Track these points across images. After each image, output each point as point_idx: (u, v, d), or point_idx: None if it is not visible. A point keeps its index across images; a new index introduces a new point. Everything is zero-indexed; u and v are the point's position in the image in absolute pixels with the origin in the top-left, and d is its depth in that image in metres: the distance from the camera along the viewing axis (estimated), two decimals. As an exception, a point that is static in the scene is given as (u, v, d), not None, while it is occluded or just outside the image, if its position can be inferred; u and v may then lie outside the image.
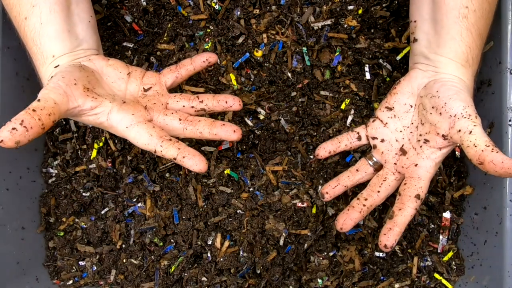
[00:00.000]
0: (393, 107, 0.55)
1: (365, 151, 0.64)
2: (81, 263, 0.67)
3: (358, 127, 0.59)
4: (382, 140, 0.56)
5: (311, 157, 0.64)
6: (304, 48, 0.63)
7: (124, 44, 0.66)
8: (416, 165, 0.52)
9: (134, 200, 0.66)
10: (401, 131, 0.55)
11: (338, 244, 0.64)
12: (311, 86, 0.64)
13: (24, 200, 0.66)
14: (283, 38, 0.63)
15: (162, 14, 0.65)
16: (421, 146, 0.52)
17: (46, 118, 0.43)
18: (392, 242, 0.51)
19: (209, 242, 0.64)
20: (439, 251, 0.64)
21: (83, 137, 0.67)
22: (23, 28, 0.51)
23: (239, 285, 0.62)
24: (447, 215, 0.63)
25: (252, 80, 0.64)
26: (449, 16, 0.50)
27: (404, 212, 0.51)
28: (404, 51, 0.63)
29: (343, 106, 0.64)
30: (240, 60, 0.64)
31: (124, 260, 0.65)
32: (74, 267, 0.67)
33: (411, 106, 0.54)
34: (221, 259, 0.62)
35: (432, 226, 0.64)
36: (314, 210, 0.63)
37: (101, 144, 0.66)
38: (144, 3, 0.65)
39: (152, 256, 0.65)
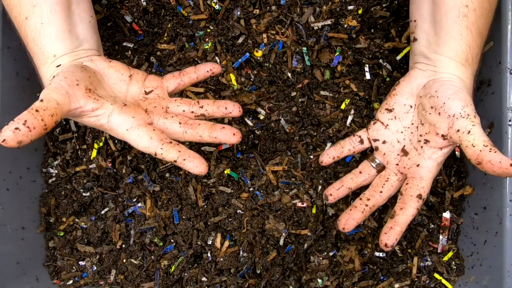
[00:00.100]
0: (393, 109, 0.55)
1: (365, 152, 0.64)
2: (81, 263, 0.67)
3: (359, 130, 0.59)
4: (384, 142, 0.56)
5: (311, 157, 0.64)
6: (304, 48, 0.63)
7: (124, 44, 0.66)
8: (418, 165, 0.52)
9: (134, 200, 0.66)
10: (402, 132, 0.55)
11: (338, 244, 0.64)
12: (311, 86, 0.64)
13: (24, 200, 0.66)
14: (283, 38, 0.63)
15: (162, 14, 0.65)
16: (421, 147, 0.53)
17: (48, 118, 0.43)
18: (392, 241, 0.51)
19: (209, 242, 0.64)
20: (439, 251, 0.64)
21: (83, 137, 0.67)
22: (23, 28, 0.51)
23: (239, 285, 0.62)
24: (447, 215, 0.63)
25: (252, 80, 0.65)
26: (449, 15, 0.50)
27: (406, 212, 0.51)
28: (404, 51, 0.63)
29: (343, 106, 0.64)
30: (240, 60, 0.64)
31: (124, 260, 0.65)
32: (74, 267, 0.67)
33: (411, 107, 0.54)
34: (221, 259, 0.62)
35: (432, 226, 0.64)
36: (314, 210, 0.63)
37: (101, 144, 0.66)
38: (144, 3, 0.65)
39: (152, 256, 0.65)
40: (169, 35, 0.65)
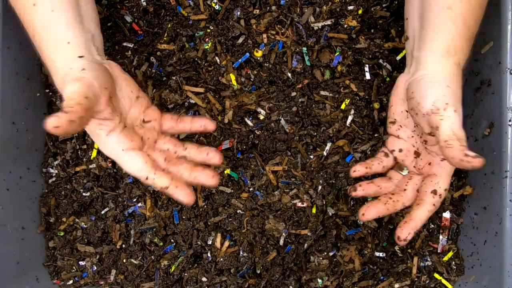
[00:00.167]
0: (395, 119, 0.56)
1: (365, 151, 0.64)
2: (81, 263, 0.67)
3: (381, 148, 0.59)
4: (400, 150, 0.57)
5: (311, 157, 0.64)
6: (304, 48, 0.63)
7: (124, 44, 0.66)
8: (429, 163, 0.53)
9: (134, 200, 0.66)
10: (412, 137, 0.56)
11: (338, 244, 0.64)
12: (311, 86, 0.64)
13: (24, 200, 0.66)
14: (283, 38, 0.63)
15: (162, 14, 0.65)
16: (425, 147, 0.54)
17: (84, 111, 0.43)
18: (405, 235, 0.51)
19: (209, 242, 0.64)
20: (439, 251, 0.64)
21: (83, 137, 0.67)
22: (30, 15, 0.49)
23: (239, 285, 0.62)
24: (447, 215, 0.63)
25: (252, 80, 0.65)
26: (434, 9, 0.50)
27: (421, 207, 0.52)
28: (404, 51, 0.63)
29: (343, 106, 0.64)
30: (240, 60, 0.64)
31: (124, 260, 0.65)
32: (74, 267, 0.67)
33: (407, 111, 0.55)
34: (221, 259, 0.62)
35: (432, 226, 0.64)
36: (314, 210, 0.63)
37: (101, 144, 0.66)
38: (144, 3, 0.65)
39: (152, 256, 0.65)
40: (169, 35, 0.65)
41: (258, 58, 0.64)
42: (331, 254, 0.63)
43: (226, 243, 0.63)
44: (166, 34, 0.65)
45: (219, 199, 0.64)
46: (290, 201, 0.63)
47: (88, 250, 0.66)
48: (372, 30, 0.64)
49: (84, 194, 0.67)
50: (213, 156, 0.55)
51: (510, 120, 0.56)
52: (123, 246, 0.66)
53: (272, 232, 0.63)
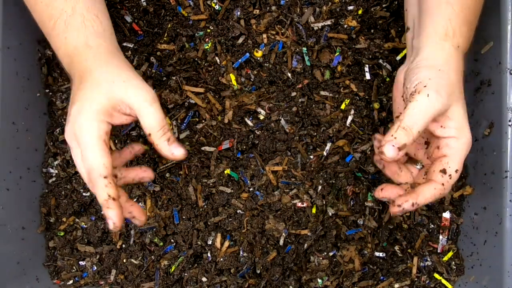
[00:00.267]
0: (400, 113, 0.54)
1: (365, 151, 0.64)
2: (81, 263, 0.67)
3: None
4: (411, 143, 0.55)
5: (311, 157, 0.64)
6: (304, 49, 0.63)
7: (124, 44, 0.66)
8: (438, 147, 0.50)
9: (134, 200, 0.66)
10: None
11: (338, 244, 0.64)
12: (311, 86, 0.64)
13: (24, 200, 0.66)
14: (283, 38, 0.63)
15: (162, 14, 0.65)
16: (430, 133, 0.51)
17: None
18: (401, 201, 0.47)
19: (209, 242, 0.64)
20: (439, 251, 0.64)
21: (83, 137, 0.67)
22: None
23: (239, 285, 0.62)
24: (446, 215, 0.63)
25: (252, 80, 0.65)
26: None
27: (428, 184, 0.48)
28: (404, 51, 0.63)
29: (343, 106, 0.64)
30: (240, 60, 0.64)
31: (124, 260, 0.65)
32: (74, 267, 0.67)
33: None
34: (221, 259, 0.62)
35: (432, 226, 0.64)
36: (314, 210, 0.63)
37: (101, 144, 0.66)
38: (144, 4, 0.65)
39: (152, 256, 0.65)
40: (169, 35, 0.65)
41: (258, 58, 0.64)
42: (331, 254, 0.64)
43: (226, 243, 0.63)
44: (166, 34, 0.65)
45: (219, 199, 0.64)
46: (290, 201, 0.63)
47: (88, 250, 0.66)
48: (372, 30, 0.64)
49: (84, 194, 0.67)
50: (145, 175, 0.54)
51: (510, 120, 0.56)
52: (123, 246, 0.66)
53: (272, 232, 0.63)
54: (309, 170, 0.64)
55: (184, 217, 0.64)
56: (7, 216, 0.62)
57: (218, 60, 0.64)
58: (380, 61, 0.64)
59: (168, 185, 0.65)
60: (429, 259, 0.64)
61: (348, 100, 0.64)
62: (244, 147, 0.64)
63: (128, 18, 0.65)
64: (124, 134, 0.66)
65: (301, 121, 0.64)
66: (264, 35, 0.64)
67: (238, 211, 0.64)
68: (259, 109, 0.64)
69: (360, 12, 0.62)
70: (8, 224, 0.63)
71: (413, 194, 0.48)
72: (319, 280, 0.63)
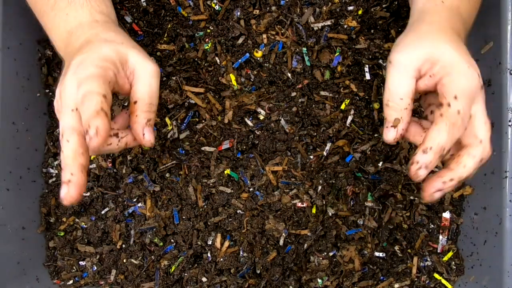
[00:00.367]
0: None
1: (365, 151, 0.64)
2: (81, 263, 0.67)
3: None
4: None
5: (311, 157, 0.64)
6: (304, 49, 0.63)
7: (124, 44, 0.66)
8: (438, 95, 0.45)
9: (134, 200, 0.66)
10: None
11: (338, 244, 0.64)
12: (311, 87, 0.64)
13: (25, 200, 0.66)
14: (283, 38, 0.63)
15: (162, 15, 0.65)
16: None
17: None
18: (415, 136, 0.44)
19: (209, 242, 0.64)
20: (438, 251, 0.64)
21: (83, 137, 0.67)
22: None
23: (239, 285, 0.62)
24: (446, 215, 0.64)
25: (252, 80, 0.65)
26: None
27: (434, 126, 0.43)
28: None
29: (343, 107, 0.64)
30: (240, 60, 0.64)
31: (124, 260, 0.65)
32: (74, 267, 0.67)
33: None
34: (221, 259, 0.62)
35: (432, 226, 0.64)
36: (314, 210, 0.63)
37: (101, 144, 0.66)
38: (144, 4, 0.65)
39: (152, 256, 0.65)
40: (169, 36, 0.65)
41: (258, 59, 0.64)
42: (331, 254, 0.64)
43: (226, 243, 0.63)
44: (166, 35, 0.65)
45: (219, 199, 0.64)
46: (290, 201, 0.63)
47: (88, 250, 0.66)
48: (372, 31, 0.64)
49: (84, 194, 0.67)
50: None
51: (510, 120, 0.56)
52: (123, 246, 0.66)
53: (272, 232, 0.63)
54: (309, 170, 0.64)
55: (184, 217, 0.64)
56: (7, 216, 0.63)
57: (218, 60, 0.64)
58: (380, 61, 0.64)
59: (168, 185, 0.65)
60: (429, 259, 0.64)
61: (348, 100, 0.64)
62: (244, 147, 0.64)
63: (128, 19, 0.65)
64: (124, 134, 0.66)
65: (301, 121, 0.64)
66: (264, 35, 0.64)
67: (238, 211, 0.64)
68: (259, 109, 0.64)
69: (360, 12, 0.62)
70: (8, 224, 0.63)
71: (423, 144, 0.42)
72: (319, 280, 0.63)
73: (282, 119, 0.64)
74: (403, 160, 0.64)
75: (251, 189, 0.64)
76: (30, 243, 0.66)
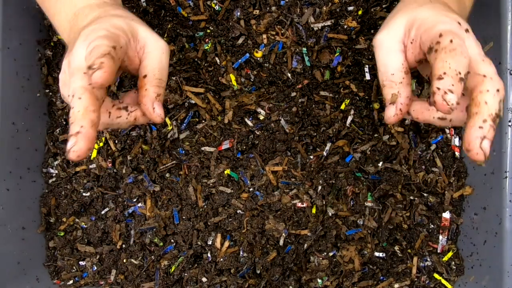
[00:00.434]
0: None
1: (365, 151, 0.64)
2: (81, 263, 0.67)
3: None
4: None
5: (311, 157, 0.64)
6: (304, 49, 0.63)
7: (124, 44, 0.66)
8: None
9: (134, 200, 0.66)
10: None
11: (338, 244, 0.64)
12: (311, 87, 0.64)
13: (25, 200, 0.66)
14: (283, 38, 0.63)
15: (162, 15, 0.65)
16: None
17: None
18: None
19: (209, 242, 0.64)
20: (438, 251, 0.64)
21: (83, 137, 0.67)
22: None
23: (239, 285, 0.62)
24: (446, 215, 0.64)
25: (252, 80, 0.65)
26: None
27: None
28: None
29: (342, 107, 0.64)
30: (240, 60, 0.64)
31: (124, 260, 0.65)
32: (74, 267, 0.67)
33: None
34: (221, 259, 0.62)
35: (432, 226, 0.64)
36: (314, 210, 0.63)
37: (101, 144, 0.66)
38: (144, 4, 0.65)
39: (152, 256, 0.65)
40: (169, 36, 0.65)
41: (258, 59, 0.64)
42: (331, 254, 0.64)
43: (226, 243, 0.63)
44: (166, 35, 0.65)
45: (219, 199, 0.64)
46: (290, 201, 0.63)
47: (88, 250, 0.66)
48: (372, 31, 0.64)
49: (84, 194, 0.67)
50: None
51: (510, 121, 0.56)
52: (123, 246, 0.66)
53: (272, 232, 0.63)
54: (309, 170, 0.64)
55: (184, 217, 0.64)
56: (7, 216, 0.63)
57: (218, 61, 0.64)
58: (380, 61, 0.64)
59: (168, 185, 0.65)
60: (429, 259, 0.64)
61: (348, 100, 0.64)
62: (244, 147, 0.64)
63: (128, 18, 0.65)
64: (124, 134, 0.66)
65: (301, 121, 0.64)
66: (264, 36, 0.64)
67: (238, 211, 0.64)
68: (259, 109, 0.64)
69: (360, 12, 0.62)
70: (8, 224, 0.63)
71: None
72: (319, 280, 0.63)
73: (282, 119, 0.64)
74: (403, 160, 0.64)
75: (251, 189, 0.64)
76: (30, 243, 0.66)
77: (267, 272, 0.63)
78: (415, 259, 0.63)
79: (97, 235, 0.66)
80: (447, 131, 0.64)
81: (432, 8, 0.43)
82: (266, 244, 0.63)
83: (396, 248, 0.64)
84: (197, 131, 0.65)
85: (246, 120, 0.65)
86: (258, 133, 0.64)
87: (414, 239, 0.64)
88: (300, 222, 0.63)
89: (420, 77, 0.63)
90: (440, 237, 0.64)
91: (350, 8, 0.63)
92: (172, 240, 0.65)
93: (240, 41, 0.64)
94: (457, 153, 0.64)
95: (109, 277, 0.66)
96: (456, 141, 0.65)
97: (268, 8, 0.64)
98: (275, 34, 0.64)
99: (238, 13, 0.64)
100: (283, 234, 0.63)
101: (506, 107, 0.56)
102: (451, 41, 0.39)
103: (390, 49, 0.44)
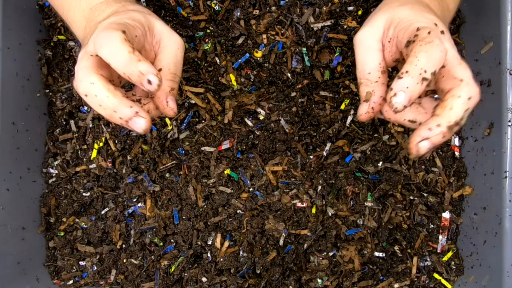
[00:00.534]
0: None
1: (365, 151, 0.64)
2: (81, 263, 0.67)
3: None
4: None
5: (311, 157, 0.64)
6: (304, 49, 0.63)
7: (124, 44, 0.66)
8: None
9: (134, 200, 0.66)
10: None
11: (338, 244, 0.64)
12: (311, 87, 0.64)
13: (25, 200, 0.66)
14: (283, 38, 0.63)
15: (162, 15, 0.65)
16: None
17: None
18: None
19: (209, 242, 0.64)
20: (438, 251, 0.64)
21: (83, 137, 0.67)
22: None
23: (239, 285, 0.62)
24: (446, 215, 0.64)
25: (252, 80, 0.65)
26: None
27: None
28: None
29: (342, 107, 0.64)
30: (240, 60, 0.64)
31: (124, 260, 0.65)
32: (74, 267, 0.67)
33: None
34: (221, 259, 0.62)
35: (432, 226, 0.64)
36: (314, 210, 0.63)
37: (101, 144, 0.66)
38: (144, 4, 0.65)
39: (152, 256, 0.65)
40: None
41: (258, 59, 0.64)
42: (331, 254, 0.64)
43: (226, 243, 0.63)
44: (166, 35, 0.65)
45: (219, 199, 0.64)
46: (290, 201, 0.63)
47: (88, 250, 0.66)
48: (372, 31, 0.64)
49: (84, 194, 0.67)
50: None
51: (510, 121, 0.56)
52: (123, 246, 0.66)
53: (272, 232, 0.63)
54: (309, 170, 0.64)
55: (184, 217, 0.64)
56: (7, 216, 0.63)
57: (218, 61, 0.64)
58: (380, 61, 0.64)
59: (168, 185, 0.65)
60: (428, 259, 0.64)
61: (348, 100, 0.64)
62: (244, 147, 0.64)
63: (128, 18, 0.65)
64: (124, 134, 0.66)
65: (301, 121, 0.64)
66: (264, 36, 0.64)
67: (238, 211, 0.64)
68: (259, 109, 0.64)
69: (360, 12, 0.62)
70: (8, 224, 0.63)
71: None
72: (319, 280, 0.63)
73: (282, 119, 0.64)
74: (403, 160, 0.64)
75: (251, 189, 0.64)
76: (30, 243, 0.66)
77: (267, 272, 0.63)
78: (415, 259, 0.63)
79: (97, 235, 0.66)
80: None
81: (411, 8, 0.43)
82: (266, 244, 0.63)
83: (396, 248, 0.64)
84: (197, 131, 0.65)
85: (246, 120, 0.65)
86: (258, 133, 0.64)
87: (414, 239, 0.64)
88: (300, 222, 0.63)
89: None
90: (440, 237, 0.64)
91: (350, 8, 0.63)
92: (172, 240, 0.65)
93: (240, 41, 0.64)
94: (457, 153, 0.64)
95: (109, 277, 0.66)
96: (456, 141, 0.65)
97: (268, 8, 0.64)
98: (275, 34, 0.64)
99: (238, 13, 0.64)
100: (283, 234, 0.63)
101: (506, 107, 0.56)
102: (429, 32, 0.38)
103: (369, 48, 0.45)
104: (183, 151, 0.65)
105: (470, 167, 0.64)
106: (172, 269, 0.64)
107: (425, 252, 0.64)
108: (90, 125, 0.67)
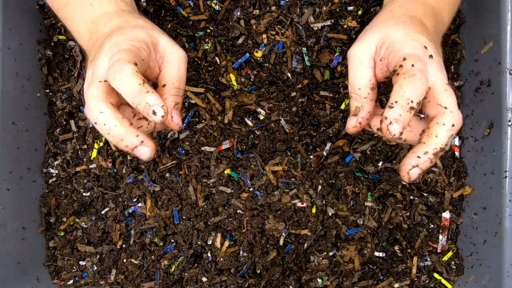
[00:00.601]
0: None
1: (365, 151, 0.64)
2: (81, 263, 0.67)
3: None
4: None
5: (311, 157, 0.64)
6: (304, 49, 0.63)
7: (124, 44, 0.66)
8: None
9: (134, 200, 0.66)
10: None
11: (338, 244, 0.64)
12: (311, 87, 0.64)
13: (25, 200, 0.66)
14: (283, 38, 0.63)
15: (162, 15, 0.65)
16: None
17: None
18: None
19: (209, 242, 0.64)
20: (438, 251, 0.64)
21: (83, 137, 0.67)
22: None
23: (239, 285, 0.62)
24: (446, 215, 0.64)
25: (252, 80, 0.65)
26: None
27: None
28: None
29: (342, 107, 0.64)
30: (240, 60, 0.64)
31: (125, 260, 0.65)
32: (74, 267, 0.67)
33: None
34: (221, 259, 0.62)
35: (432, 226, 0.64)
36: (314, 210, 0.63)
37: (101, 144, 0.66)
38: (144, 4, 0.65)
39: (152, 256, 0.65)
40: (169, 36, 0.65)
41: (258, 58, 0.64)
42: (331, 254, 0.64)
43: (226, 243, 0.63)
44: (166, 34, 0.65)
45: (219, 199, 0.64)
46: (290, 201, 0.63)
47: (88, 250, 0.66)
48: (372, 31, 0.64)
49: (84, 194, 0.67)
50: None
51: (510, 120, 0.56)
52: (123, 246, 0.66)
53: (272, 232, 0.63)
54: (309, 170, 0.64)
55: (184, 217, 0.64)
56: (7, 216, 0.63)
57: (218, 60, 0.64)
58: (380, 61, 0.64)
59: (168, 185, 0.65)
60: (428, 259, 0.64)
61: (348, 100, 0.64)
62: (244, 147, 0.64)
63: (128, 18, 0.65)
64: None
65: (301, 121, 0.64)
66: (264, 35, 0.64)
67: (238, 211, 0.64)
68: (259, 109, 0.64)
69: (360, 12, 0.62)
70: (8, 224, 0.63)
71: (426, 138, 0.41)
72: (319, 280, 0.63)
73: (282, 119, 0.64)
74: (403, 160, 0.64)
75: (251, 189, 0.64)
76: (30, 243, 0.66)
77: (267, 272, 0.63)
78: (415, 259, 0.63)
79: (97, 235, 0.66)
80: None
81: (403, 29, 0.45)
82: (266, 244, 0.63)
83: (396, 248, 0.64)
84: (197, 131, 0.65)
85: (246, 120, 0.65)
86: (258, 133, 0.64)
87: (414, 239, 0.64)
88: (300, 222, 0.63)
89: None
90: (440, 237, 0.64)
91: (350, 8, 0.63)
92: (172, 240, 0.65)
93: (240, 41, 0.64)
94: (457, 153, 0.64)
95: (109, 277, 0.66)
96: (456, 141, 0.65)
97: (268, 8, 0.64)
98: (275, 34, 0.64)
99: (238, 13, 0.64)
100: (283, 234, 0.63)
101: (506, 107, 0.56)
102: (412, 65, 0.40)
103: (361, 64, 0.46)
104: (183, 151, 0.65)
105: (470, 167, 0.64)
106: (172, 269, 0.64)
107: (425, 252, 0.64)
108: (90, 125, 0.67)
